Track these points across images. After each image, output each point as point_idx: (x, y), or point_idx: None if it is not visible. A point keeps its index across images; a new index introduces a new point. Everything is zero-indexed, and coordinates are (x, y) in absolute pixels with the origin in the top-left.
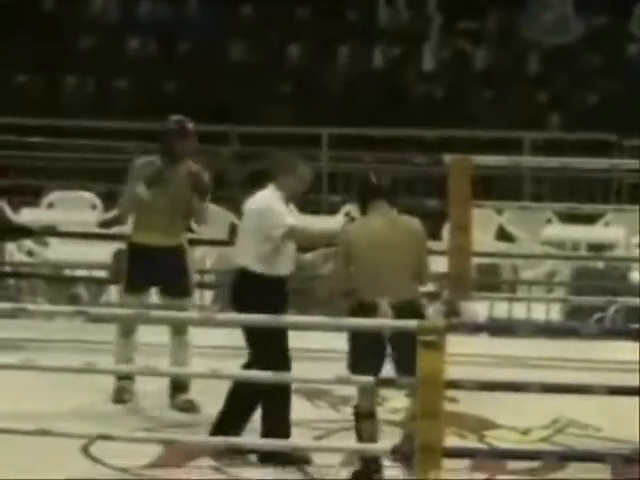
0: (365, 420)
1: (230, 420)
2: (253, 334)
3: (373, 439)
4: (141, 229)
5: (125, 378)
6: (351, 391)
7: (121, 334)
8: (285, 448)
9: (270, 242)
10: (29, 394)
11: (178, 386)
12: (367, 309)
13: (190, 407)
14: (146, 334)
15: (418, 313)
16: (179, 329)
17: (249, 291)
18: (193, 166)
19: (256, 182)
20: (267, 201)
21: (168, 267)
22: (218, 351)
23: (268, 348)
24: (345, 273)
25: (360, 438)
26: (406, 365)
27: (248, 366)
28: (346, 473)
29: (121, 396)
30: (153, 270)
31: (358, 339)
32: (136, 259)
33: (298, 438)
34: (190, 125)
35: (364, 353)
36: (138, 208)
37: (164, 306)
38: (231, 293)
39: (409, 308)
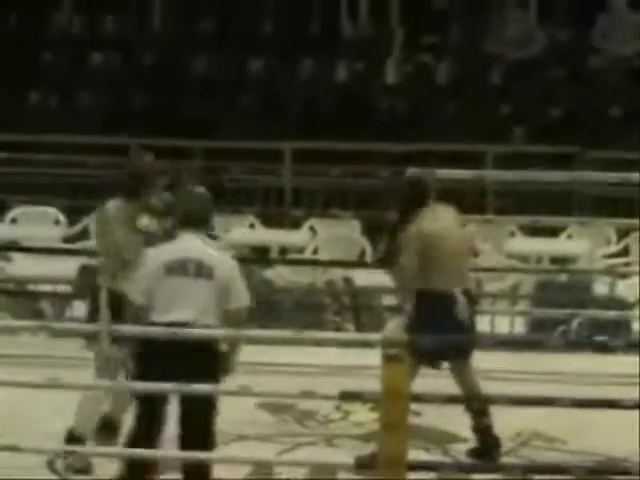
0: None
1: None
2: None
3: None
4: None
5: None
6: (316, 405)
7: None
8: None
9: None
10: None
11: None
12: (441, 298)
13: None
14: None
15: (475, 301)
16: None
17: None
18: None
19: (219, 197)
20: None
21: None
22: None
23: None
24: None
25: None
26: None
27: None
28: None
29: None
30: None
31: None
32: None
33: (263, 452)
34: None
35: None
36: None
37: None
38: None
39: (470, 296)
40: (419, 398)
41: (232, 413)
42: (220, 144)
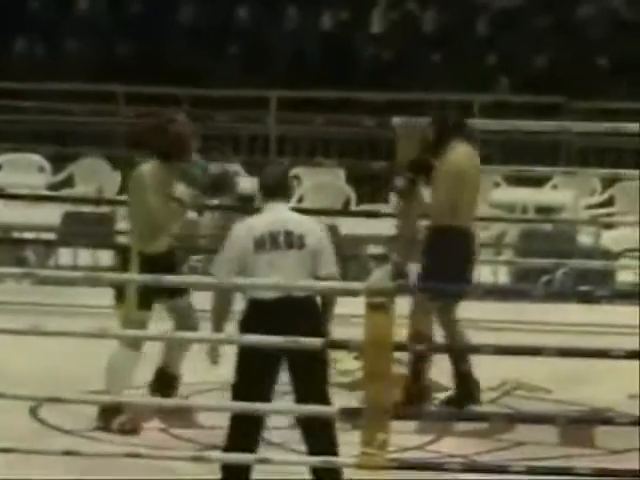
0: None
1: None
2: None
3: None
4: None
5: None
6: None
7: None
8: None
9: None
10: None
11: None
12: (466, 235)
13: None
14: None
15: None
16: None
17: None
18: None
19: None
20: None
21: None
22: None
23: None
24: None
25: None
26: None
27: None
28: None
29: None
30: None
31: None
32: None
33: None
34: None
35: None
36: None
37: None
38: None
39: None
40: (403, 347)
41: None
42: (206, 92)
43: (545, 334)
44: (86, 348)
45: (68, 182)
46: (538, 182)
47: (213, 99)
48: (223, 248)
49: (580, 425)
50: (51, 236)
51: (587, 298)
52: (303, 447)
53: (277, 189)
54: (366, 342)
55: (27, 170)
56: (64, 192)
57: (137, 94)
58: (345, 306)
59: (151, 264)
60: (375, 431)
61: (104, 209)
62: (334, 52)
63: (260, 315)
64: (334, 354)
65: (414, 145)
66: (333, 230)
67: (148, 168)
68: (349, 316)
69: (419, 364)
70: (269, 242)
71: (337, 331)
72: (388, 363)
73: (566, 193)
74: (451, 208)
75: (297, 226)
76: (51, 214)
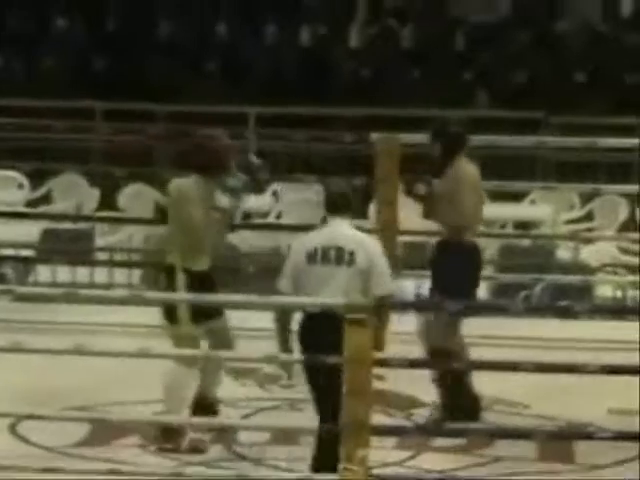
0: None
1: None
2: None
3: None
4: None
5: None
6: (279, 369)
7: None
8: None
9: None
10: None
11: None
12: (474, 248)
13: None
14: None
15: None
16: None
17: None
18: None
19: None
20: None
21: None
22: (146, 330)
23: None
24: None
25: None
26: None
27: None
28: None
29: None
30: None
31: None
32: None
33: (225, 417)
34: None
35: None
36: None
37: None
38: None
39: None
40: (383, 363)
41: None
42: (185, 108)
43: (523, 349)
44: (66, 364)
45: (46, 199)
46: (516, 197)
47: (192, 115)
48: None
49: (559, 440)
50: (30, 253)
51: (566, 313)
52: (281, 463)
53: (339, 205)
54: (346, 358)
55: (5, 187)
56: (42, 209)
57: (115, 110)
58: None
59: (198, 282)
60: (355, 447)
61: (83, 225)
62: (313, 67)
63: (306, 328)
64: None
65: (394, 161)
66: None
67: (188, 183)
68: None
69: (462, 379)
70: (320, 256)
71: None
72: (368, 379)
73: (545, 208)
74: (467, 222)
75: (349, 243)
76: (30, 231)
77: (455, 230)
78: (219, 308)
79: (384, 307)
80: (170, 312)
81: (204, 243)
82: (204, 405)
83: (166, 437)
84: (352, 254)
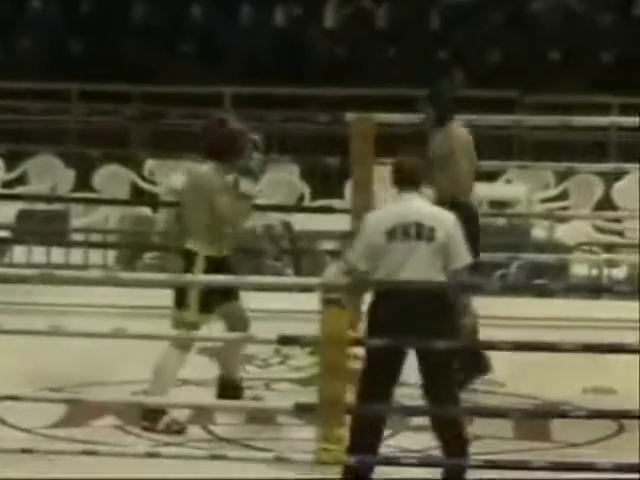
0: None
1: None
2: None
3: None
4: None
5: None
6: (255, 349)
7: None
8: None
9: None
10: None
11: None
12: (474, 208)
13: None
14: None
15: None
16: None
17: None
18: None
19: (158, 142)
20: None
21: None
22: (121, 311)
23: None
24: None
25: None
26: None
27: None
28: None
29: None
30: None
31: None
32: None
33: (202, 397)
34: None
35: None
36: None
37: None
38: None
39: None
40: (359, 342)
41: None
42: (160, 89)
43: (499, 328)
44: (42, 345)
45: (22, 180)
46: (492, 176)
47: (167, 96)
48: (358, 237)
49: (535, 419)
50: (5, 234)
51: (542, 292)
52: (257, 443)
53: (411, 179)
54: (322, 338)
55: None
56: (18, 190)
57: (90, 92)
58: (299, 302)
59: (215, 267)
60: (332, 426)
61: (58, 206)
62: (288, 48)
63: (384, 304)
64: (287, 350)
65: (368, 141)
66: (287, 226)
67: (208, 170)
68: (303, 312)
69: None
70: (400, 233)
71: (291, 327)
72: (344, 358)
73: (520, 187)
74: (461, 185)
75: (428, 218)
76: (5, 212)
77: (450, 193)
78: (235, 291)
79: (358, 287)
80: (181, 297)
81: (230, 230)
82: (231, 387)
83: (149, 418)
84: (432, 230)
